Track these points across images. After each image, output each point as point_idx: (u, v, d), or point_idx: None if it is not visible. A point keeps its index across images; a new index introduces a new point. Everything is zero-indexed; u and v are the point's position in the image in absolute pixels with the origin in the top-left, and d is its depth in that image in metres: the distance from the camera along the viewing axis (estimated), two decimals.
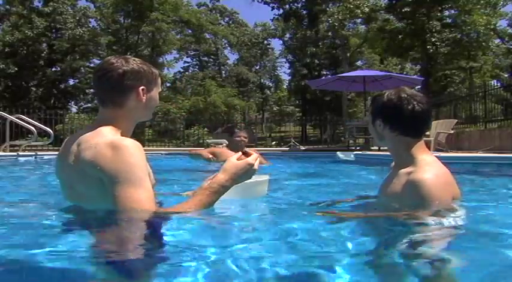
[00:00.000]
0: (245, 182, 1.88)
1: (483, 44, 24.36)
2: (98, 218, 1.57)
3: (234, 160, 1.63)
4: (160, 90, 1.74)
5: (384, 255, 1.26)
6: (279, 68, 50.54)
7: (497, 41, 29.00)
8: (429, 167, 1.58)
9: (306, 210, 1.96)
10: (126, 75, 1.61)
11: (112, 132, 1.58)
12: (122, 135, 1.61)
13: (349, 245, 1.30)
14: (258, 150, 9.48)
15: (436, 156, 1.74)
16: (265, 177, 2.02)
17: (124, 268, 1.15)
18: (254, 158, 1.65)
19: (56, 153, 1.79)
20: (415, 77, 18.47)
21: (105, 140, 1.51)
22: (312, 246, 1.31)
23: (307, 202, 2.16)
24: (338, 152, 8.68)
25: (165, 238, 1.40)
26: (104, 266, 1.17)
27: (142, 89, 1.63)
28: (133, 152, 1.49)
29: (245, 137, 5.40)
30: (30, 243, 1.32)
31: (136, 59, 1.69)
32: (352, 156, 7.87)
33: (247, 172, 1.63)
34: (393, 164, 1.82)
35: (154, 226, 1.47)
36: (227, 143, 5.68)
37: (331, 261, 1.17)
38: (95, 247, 1.32)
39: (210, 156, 5.35)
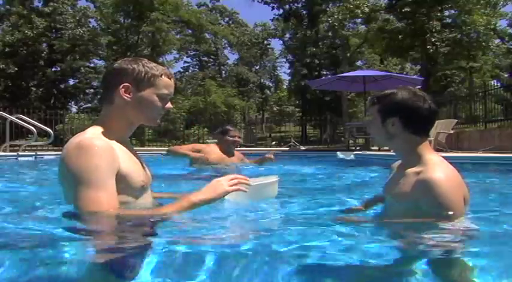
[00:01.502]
0: (255, 183, 1.89)
1: (483, 44, 24.29)
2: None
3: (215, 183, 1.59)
4: (162, 92, 1.64)
5: (403, 261, 1.26)
6: (279, 68, 50.65)
7: (497, 41, 28.96)
8: (439, 167, 1.54)
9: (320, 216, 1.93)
10: (113, 72, 1.66)
11: (94, 131, 1.58)
12: (116, 135, 1.60)
13: (367, 252, 1.29)
14: (258, 151, 9.47)
15: None
16: (275, 178, 2.00)
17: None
18: (228, 178, 1.61)
19: (56, 153, 1.79)
20: (415, 77, 18.46)
21: (76, 140, 1.52)
22: (327, 252, 1.29)
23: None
24: (338, 152, 8.68)
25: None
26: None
27: (125, 86, 1.60)
28: (99, 152, 1.47)
29: (239, 137, 4.93)
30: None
31: (142, 60, 1.66)
32: (352, 155, 7.88)
33: (215, 188, 1.58)
34: (395, 164, 1.81)
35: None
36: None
37: (348, 264, 1.17)
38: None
39: (192, 154, 4.63)
